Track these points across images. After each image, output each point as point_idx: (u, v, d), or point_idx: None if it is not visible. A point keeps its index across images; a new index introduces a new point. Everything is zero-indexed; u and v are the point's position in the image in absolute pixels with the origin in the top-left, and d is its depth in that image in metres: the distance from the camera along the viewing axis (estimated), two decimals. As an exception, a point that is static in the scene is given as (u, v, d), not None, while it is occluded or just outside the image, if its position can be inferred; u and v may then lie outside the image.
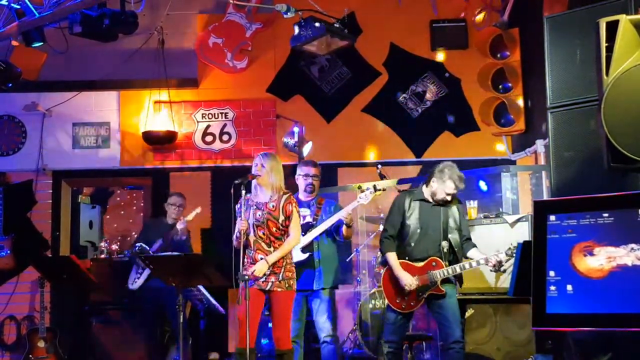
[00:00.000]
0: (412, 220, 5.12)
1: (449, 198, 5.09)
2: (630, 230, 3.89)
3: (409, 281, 4.98)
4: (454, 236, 5.08)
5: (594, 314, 3.93)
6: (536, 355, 5.12)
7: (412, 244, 5.09)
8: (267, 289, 4.82)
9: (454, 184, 5.03)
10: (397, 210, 5.21)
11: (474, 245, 5.17)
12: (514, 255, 4.89)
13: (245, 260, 4.84)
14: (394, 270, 5.06)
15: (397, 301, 5.09)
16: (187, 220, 6.54)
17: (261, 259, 4.81)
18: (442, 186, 5.05)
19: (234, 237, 4.90)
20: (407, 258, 5.10)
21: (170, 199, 6.84)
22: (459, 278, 5.25)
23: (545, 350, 5.01)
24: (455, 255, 5.08)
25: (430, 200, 5.14)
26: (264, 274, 4.80)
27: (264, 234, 4.85)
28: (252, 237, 4.87)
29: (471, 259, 5.06)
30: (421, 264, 5.05)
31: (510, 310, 5.64)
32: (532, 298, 4.15)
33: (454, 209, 5.16)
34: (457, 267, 5.00)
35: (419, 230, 5.10)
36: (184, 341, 5.35)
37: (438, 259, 5.03)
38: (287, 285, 4.85)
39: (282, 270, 4.84)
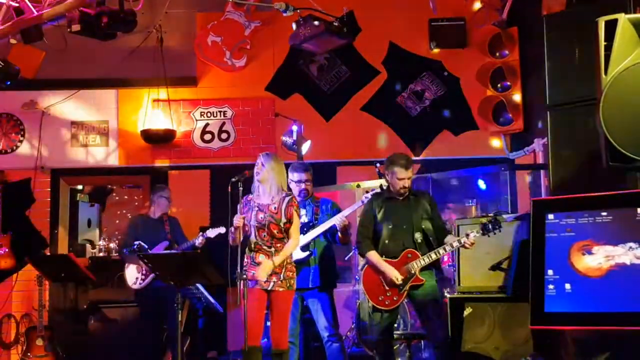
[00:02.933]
0: (382, 220, 5.18)
1: (406, 184, 5.12)
2: (629, 229, 3.90)
3: (394, 273, 5.01)
4: (426, 226, 5.12)
5: (592, 312, 3.93)
6: (534, 354, 5.12)
7: (387, 241, 5.15)
8: (269, 288, 4.82)
9: (402, 168, 5.08)
10: (366, 213, 5.30)
11: (450, 233, 5.21)
12: (486, 229, 4.90)
13: (246, 260, 4.84)
14: (378, 267, 5.08)
15: (380, 299, 5.11)
16: (207, 237, 6.47)
17: (262, 259, 4.80)
18: (394, 176, 5.11)
19: (230, 235, 4.89)
20: (384, 256, 5.13)
21: (164, 192, 6.82)
22: (435, 265, 5.25)
23: (544, 349, 5.01)
24: (430, 245, 5.10)
25: (396, 197, 5.18)
26: (267, 274, 4.79)
27: (265, 236, 4.84)
28: (252, 239, 4.85)
29: (445, 244, 5.08)
30: (397, 259, 5.08)
31: (509, 309, 5.63)
32: (530, 297, 4.15)
33: (424, 202, 5.21)
34: (432, 254, 5.03)
35: (390, 227, 5.15)
36: (182, 340, 5.35)
37: (413, 250, 5.06)
38: (288, 284, 4.86)
39: (283, 270, 4.85)
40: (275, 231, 4.84)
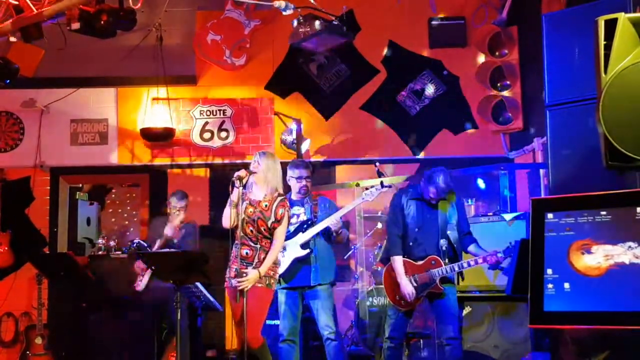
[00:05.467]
0: (410, 219, 5.17)
1: (432, 201, 5.15)
2: (628, 229, 3.90)
3: (408, 291, 5.03)
4: (452, 233, 5.12)
5: (592, 312, 3.93)
6: (533, 353, 5.13)
7: (411, 243, 5.14)
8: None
9: (435, 190, 5.09)
10: (397, 209, 5.26)
11: (474, 241, 5.20)
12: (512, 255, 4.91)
13: (231, 254, 4.80)
14: (397, 276, 5.10)
15: (397, 298, 5.13)
16: (174, 226, 6.30)
17: (246, 253, 4.75)
18: (428, 189, 5.13)
19: (226, 215, 4.79)
20: (406, 256, 5.14)
21: (170, 199, 6.57)
22: (459, 274, 5.27)
23: (543, 348, 5.02)
24: (454, 252, 5.10)
25: (424, 199, 5.18)
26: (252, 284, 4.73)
27: (252, 231, 4.79)
28: (239, 232, 4.75)
29: (470, 256, 5.08)
30: (421, 262, 5.09)
31: (508, 308, 5.65)
32: (529, 296, 4.15)
33: (452, 205, 5.19)
34: (455, 267, 5.04)
35: (416, 229, 5.14)
36: (182, 338, 5.34)
37: (437, 257, 5.06)
38: (267, 282, 4.78)
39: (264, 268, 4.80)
40: (262, 228, 4.79)
